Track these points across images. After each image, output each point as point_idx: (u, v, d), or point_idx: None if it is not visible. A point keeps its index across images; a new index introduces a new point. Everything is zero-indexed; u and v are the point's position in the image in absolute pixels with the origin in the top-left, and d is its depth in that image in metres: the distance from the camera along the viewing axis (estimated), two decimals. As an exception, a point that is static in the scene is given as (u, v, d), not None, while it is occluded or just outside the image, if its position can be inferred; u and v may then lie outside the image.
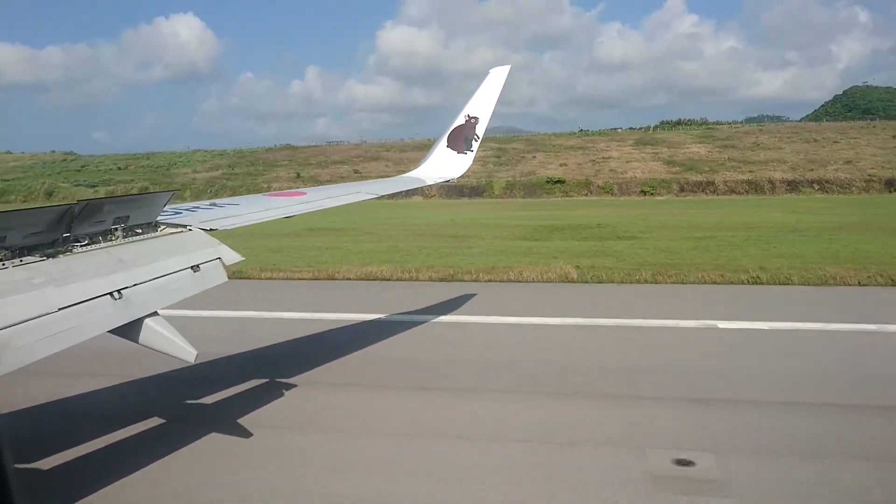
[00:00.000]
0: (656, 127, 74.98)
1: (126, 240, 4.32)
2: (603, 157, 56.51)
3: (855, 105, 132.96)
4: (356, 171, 57.24)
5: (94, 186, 58.38)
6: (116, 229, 4.28)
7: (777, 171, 49.14)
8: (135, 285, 3.99)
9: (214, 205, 5.72)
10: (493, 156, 57.82)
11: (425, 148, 7.82)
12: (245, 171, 61.53)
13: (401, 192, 8.02)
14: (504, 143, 62.87)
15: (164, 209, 4.84)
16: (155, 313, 4.07)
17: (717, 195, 45.64)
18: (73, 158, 77.44)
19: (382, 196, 7.68)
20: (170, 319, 4.17)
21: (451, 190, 48.54)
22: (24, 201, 54.00)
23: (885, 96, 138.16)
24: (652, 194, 47.13)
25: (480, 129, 7.90)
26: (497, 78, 7.92)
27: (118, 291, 3.85)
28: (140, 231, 4.51)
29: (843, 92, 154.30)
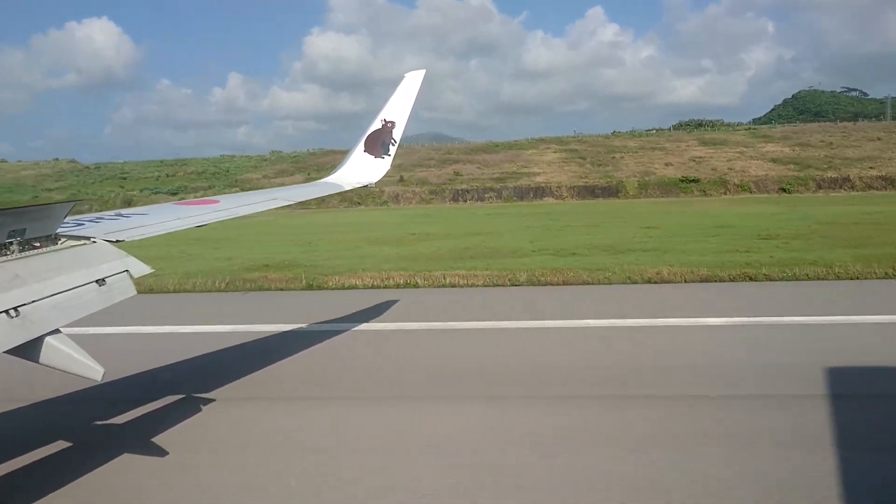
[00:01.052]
0: (677, 128, 78.57)
1: (23, 254, 4.06)
2: (695, 158, 58.17)
3: (805, 108, 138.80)
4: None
5: (174, 193, 56.59)
6: (11, 243, 4.01)
7: (877, 168, 51.33)
8: (33, 302, 3.75)
9: (120, 215, 5.46)
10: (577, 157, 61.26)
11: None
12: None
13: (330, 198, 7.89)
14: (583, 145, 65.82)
15: (66, 221, 4.58)
16: (57, 331, 3.84)
17: (856, 191, 47.10)
18: (86, 167, 76.36)
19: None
20: (74, 337, 3.94)
21: (584, 190, 51.17)
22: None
23: (831, 99, 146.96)
24: (788, 191, 48.33)
25: (397, 134, 7.88)
26: (412, 82, 7.91)
27: (14, 309, 3.61)
28: (38, 244, 4.25)
29: (793, 96, 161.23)
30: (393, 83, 8.05)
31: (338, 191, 7.63)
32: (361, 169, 7.86)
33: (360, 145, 7.88)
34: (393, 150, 7.91)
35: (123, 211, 5.62)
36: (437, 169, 62.81)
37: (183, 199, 6.72)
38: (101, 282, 4.29)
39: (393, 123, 7.83)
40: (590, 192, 53.01)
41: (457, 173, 60.83)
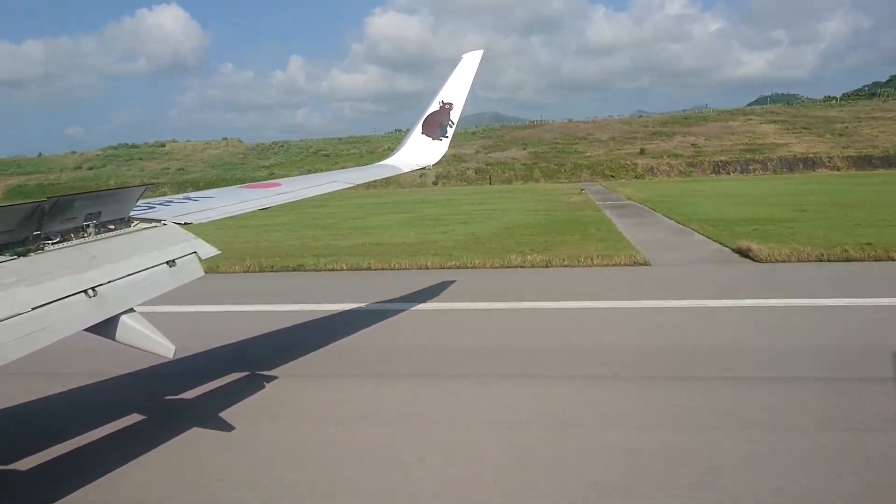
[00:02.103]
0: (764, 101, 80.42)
1: (99, 236, 4.25)
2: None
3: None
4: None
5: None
6: (88, 226, 4.20)
7: None
8: (109, 282, 3.94)
9: (189, 198, 5.65)
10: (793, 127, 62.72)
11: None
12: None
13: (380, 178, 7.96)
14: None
15: (138, 204, 4.77)
16: (131, 310, 4.02)
17: None
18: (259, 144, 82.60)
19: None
20: (146, 315, 4.12)
21: (860, 161, 53.05)
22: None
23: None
24: None
25: (455, 115, 7.88)
26: (470, 63, 7.89)
27: (92, 289, 3.80)
28: (113, 227, 4.44)
29: None
30: (452, 62, 8.05)
31: (396, 173, 7.70)
32: (420, 151, 7.91)
33: (418, 127, 7.93)
34: (451, 131, 7.93)
35: (192, 194, 5.82)
36: (662, 141, 63.79)
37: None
38: (171, 263, 4.46)
39: (451, 105, 7.83)
40: (867, 162, 53.46)
41: (694, 145, 61.94)
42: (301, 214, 28.63)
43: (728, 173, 55.54)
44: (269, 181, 6.94)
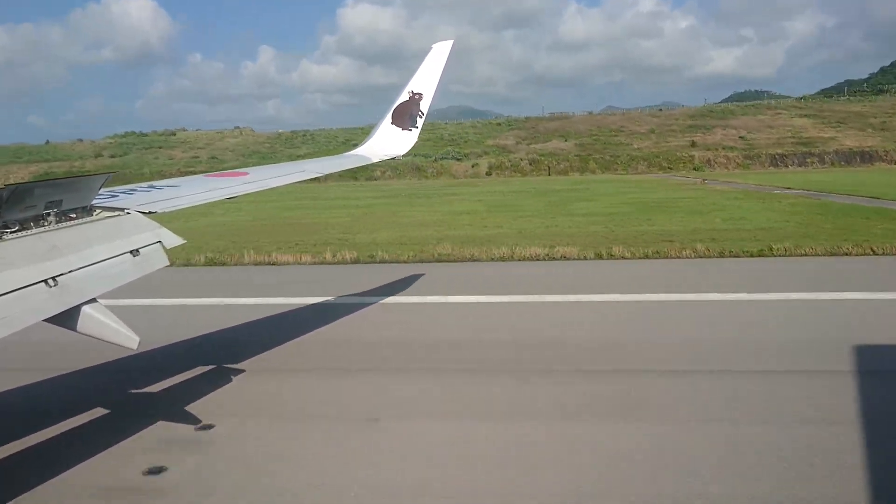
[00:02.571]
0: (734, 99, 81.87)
1: (60, 225, 4.14)
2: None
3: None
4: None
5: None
6: (49, 214, 4.09)
7: None
8: (70, 272, 3.84)
9: (153, 187, 5.54)
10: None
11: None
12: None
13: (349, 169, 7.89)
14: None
15: (100, 192, 4.65)
16: (93, 300, 3.92)
17: None
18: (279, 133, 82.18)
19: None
20: (111, 307, 4.03)
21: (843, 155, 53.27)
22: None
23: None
24: None
25: (425, 106, 7.84)
26: (440, 53, 7.85)
27: (53, 278, 3.70)
28: (74, 216, 4.33)
29: (892, 64, 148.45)
30: (426, 55, 7.99)
31: (366, 163, 7.64)
32: (389, 141, 7.86)
33: (388, 118, 7.87)
34: (420, 122, 7.89)
35: (156, 183, 5.70)
36: (705, 135, 64.30)
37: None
38: (135, 252, 4.37)
39: (420, 95, 7.79)
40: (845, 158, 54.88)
41: (743, 139, 62.45)
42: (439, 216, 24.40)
43: (786, 166, 56.12)
44: (236, 170, 6.84)
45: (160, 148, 75.82)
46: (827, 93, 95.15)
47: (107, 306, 3.99)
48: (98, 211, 4.54)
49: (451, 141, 70.05)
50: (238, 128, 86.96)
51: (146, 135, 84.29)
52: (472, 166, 60.58)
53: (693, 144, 62.01)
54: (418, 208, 28.00)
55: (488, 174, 59.48)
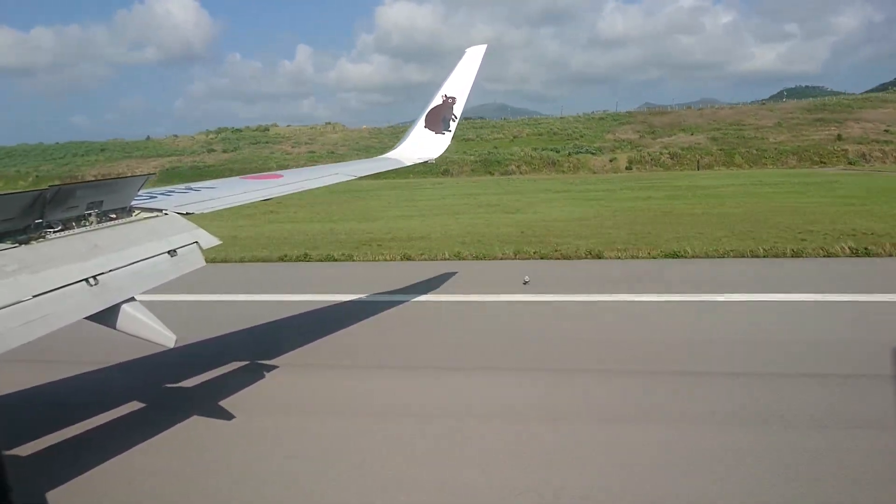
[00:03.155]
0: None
1: (100, 225, 4.27)
2: None
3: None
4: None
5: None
6: (90, 214, 4.22)
7: None
8: (111, 271, 3.95)
9: (190, 188, 5.66)
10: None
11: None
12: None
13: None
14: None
15: (139, 193, 4.78)
16: (132, 299, 4.04)
17: None
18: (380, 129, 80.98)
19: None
20: (147, 304, 4.15)
21: None
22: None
23: None
24: None
25: (458, 109, 7.89)
26: (474, 57, 7.89)
27: (94, 277, 3.81)
28: (114, 216, 4.46)
29: None
30: (462, 53, 8.04)
31: (398, 166, 7.70)
32: (422, 145, 7.92)
33: (421, 121, 7.93)
34: (454, 125, 7.94)
35: (193, 184, 5.83)
36: (841, 128, 61.97)
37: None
38: (172, 252, 4.48)
39: (454, 99, 7.84)
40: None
41: (888, 131, 59.94)
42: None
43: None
44: (270, 172, 6.95)
45: (265, 143, 76.20)
46: (887, 88, 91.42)
47: (144, 304, 4.11)
48: (137, 212, 4.67)
49: (560, 135, 68.33)
50: (330, 123, 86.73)
51: (240, 130, 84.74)
52: (611, 161, 58.71)
53: (839, 138, 58.63)
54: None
55: (628, 168, 57.39)
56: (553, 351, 7.48)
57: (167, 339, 4.01)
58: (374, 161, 7.98)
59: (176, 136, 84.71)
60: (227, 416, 5.89)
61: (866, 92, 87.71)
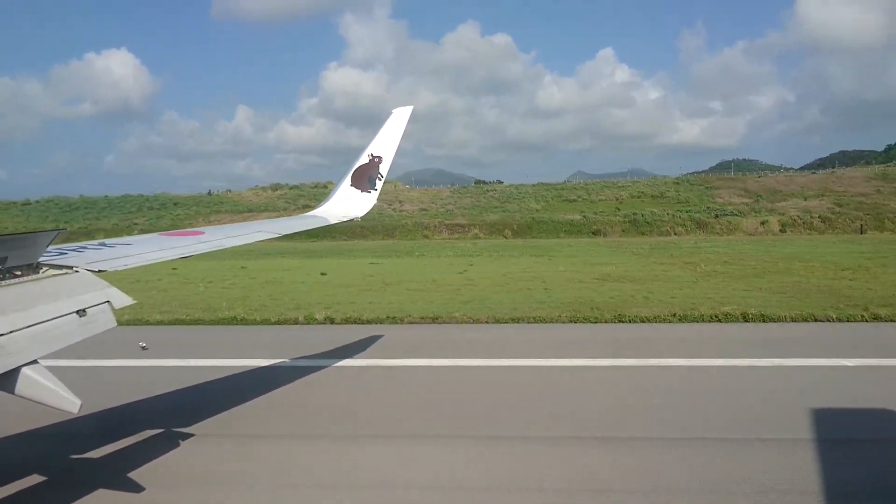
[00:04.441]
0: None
1: (3, 282, 4.00)
2: None
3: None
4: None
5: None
6: (-8, 271, 3.96)
7: None
8: (11, 332, 3.69)
9: (104, 245, 5.41)
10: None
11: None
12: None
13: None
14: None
15: (48, 249, 4.53)
16: (34, 362, 3.77)
17: None
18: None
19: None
20: (53, 369, 3.87)
21: None
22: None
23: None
24: None
25: (384, 168, 7.93)
26: (400, 117, 8.00)
27: (-8, 339, 3.55)
28: (20, 273, 4.19)
29: None
30: (386, 119, 8.11)
31: (324, 224, 7.61)
32: (348, 203, 7.88)
33: (347, 179, 7.92)
34: (380, 184, 7.96)
35: (107, 241, 5.58)
36: None
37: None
38: (81, 312, 4.22)
39: (380, 158, 7.88)
40: None
41: None
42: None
43: None
44: (191, 229, 6.74)
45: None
46: (820, 163, 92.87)
47: (49, 368, 3.84)
48: (45, 269, 4.41)
49: (662, 198, 66.73)
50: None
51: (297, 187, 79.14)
52: (762, 223, 58.07)
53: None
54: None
55: (782, 231, 56.69)
56: None
57: (72, 404, 3.75)
58: (299, 218, 7.87)
59: (230, 190, 79.48)
60: (137, 488, 5.50)
61: (803, 168, 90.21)
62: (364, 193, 7.92)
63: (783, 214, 60.17)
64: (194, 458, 6.31)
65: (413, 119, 8.14)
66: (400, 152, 8.04)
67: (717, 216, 60.47)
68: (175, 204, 73.02)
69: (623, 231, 58.54)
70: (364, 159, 7.91)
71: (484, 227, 59.70)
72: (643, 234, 57.40)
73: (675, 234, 57.22)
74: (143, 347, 10.41)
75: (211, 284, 20.57)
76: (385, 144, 7.93)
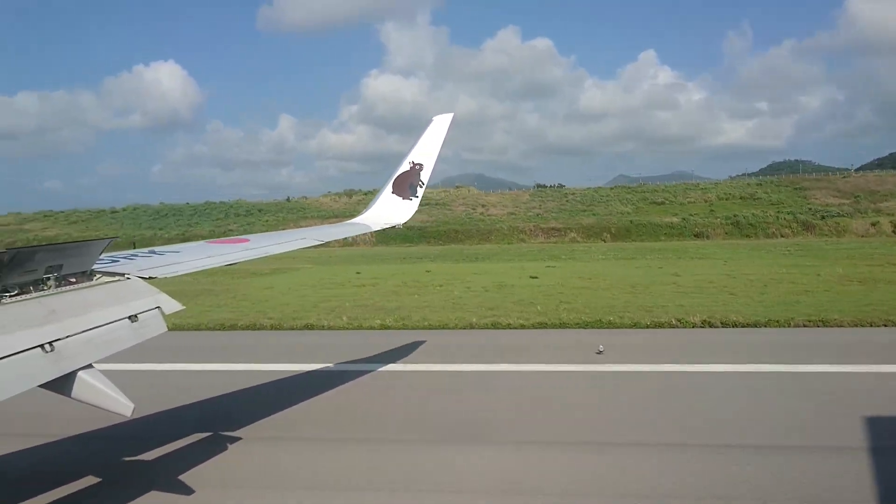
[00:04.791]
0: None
1: (59, 289, 4.16)
2: None
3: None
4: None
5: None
6: (49, 278, 4.11)
7: None
8: (67, 337, 3.83)
9: (154, 252, 5.57)
10: None
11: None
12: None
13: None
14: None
15: (101, 257, 4.69)
16: (89, 366, 3.90)
17: None
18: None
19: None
20: (106, 373, 4.00)
21: None
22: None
23: None
24: None
25: (425, 176, 7.99)
26: (440, 125, 8.05)
27: (50, 343, 3.69)
28: (74, 280, 4.35)
29: None
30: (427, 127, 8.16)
31: (365, 231, 7.71)
32: (390, 210, 7.96)
33: (389, 187, 8.00)
34: (421, 191, 8.01)
35: (157, 248, 5.74)
36: None
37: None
38: (133, 318, 4.36)
39: (421, 166, 7.94)
40: None
41: None
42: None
43: None
44: (237, 237, 6.90)
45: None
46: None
47: (103, 371, 3.96)
48: (98, 276, 4.56)
49: (749, 199, 64.48)
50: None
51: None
52: (873, 224, 55.49)
53: None
54: None
55: (895, 232, 53.99)
56: None
57: (125, 407, 3.87)
58: (341, 226, 7.97)
59: (305, 197, 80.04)
60: (187, 490, 5.64)
61: (861, 168, 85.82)
62: (405, 200, 7.99)
63: (891, 215, 56.90)
64: (240, 461, 6.44)
65: (453, 125, 8.17)
66: (439, 158, 8.08)
67: (822, 217, 57.41)
68: (259, 210, 74.00)
69: (726, 234, 56.20)
70: (405, 167, 7.98)
71: (580, 231, 58.34)
72: (747, 236, 54.95)
73: (782, 235, 54.67)
74: (598, 352, 10.35)
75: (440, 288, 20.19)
76: (426, 152, 7.99)
